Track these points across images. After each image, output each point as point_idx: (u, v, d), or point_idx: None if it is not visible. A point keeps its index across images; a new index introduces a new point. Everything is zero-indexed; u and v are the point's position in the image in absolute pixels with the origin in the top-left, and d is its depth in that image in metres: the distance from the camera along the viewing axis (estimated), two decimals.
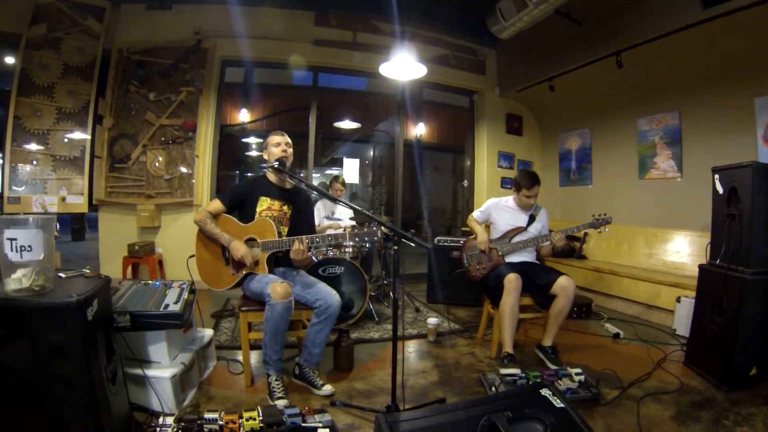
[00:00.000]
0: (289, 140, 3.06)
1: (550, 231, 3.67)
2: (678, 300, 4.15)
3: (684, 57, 4.86)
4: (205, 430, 2.08)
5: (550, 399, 1.84)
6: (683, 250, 5.00)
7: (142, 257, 5.10)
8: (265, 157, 3.10)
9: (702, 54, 4.71)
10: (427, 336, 3.96)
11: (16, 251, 1.65)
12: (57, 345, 1.66)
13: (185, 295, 2.63)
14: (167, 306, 2.43)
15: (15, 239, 1.64)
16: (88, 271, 2.09)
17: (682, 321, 4.03)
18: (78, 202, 5.19)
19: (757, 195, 2.87)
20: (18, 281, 1.67)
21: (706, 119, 4.94)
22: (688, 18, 4.26)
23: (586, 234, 6.03)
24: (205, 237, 2.96)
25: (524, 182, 3.59)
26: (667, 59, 5.00)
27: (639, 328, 4.34)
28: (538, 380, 2.67)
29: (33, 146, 5.06)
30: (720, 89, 4.75)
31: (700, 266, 3.31)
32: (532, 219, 3.71)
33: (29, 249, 1.67)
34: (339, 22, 6.27)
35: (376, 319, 4.39)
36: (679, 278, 4.54)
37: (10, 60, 5.28)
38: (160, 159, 5.58)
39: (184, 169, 5.65)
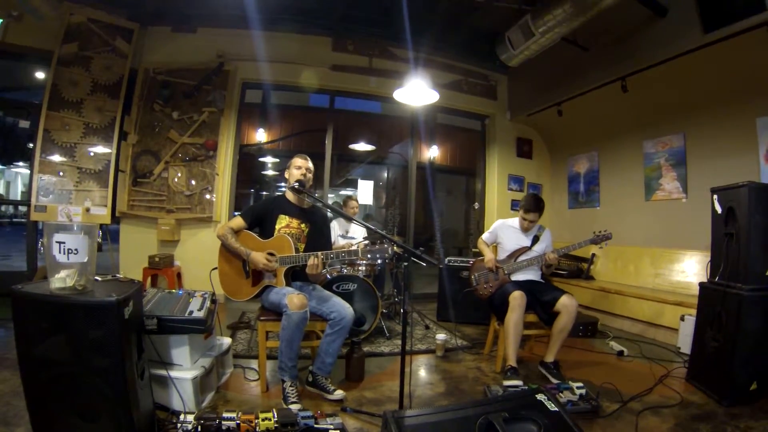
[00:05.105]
0: (311, 166, 3.24)
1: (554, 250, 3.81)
2: (682, 318, 4.22)
3: (687, 80, 5.00)
4: (224, 427, 2.21)
5: (546, 403, 1.96)
6: (688, 270, 5.06)
7: (161, 269, 5.28)
8: (286, 176, 3.28)
9: (704, 77, 4.84)
10: (436, 351, 4.06)
11: (64, 253, 1.84)
12: (96, 340, 1.83)
13: (208, 303, 2.79)
14: (192, 312, 2.60)
15: (63, 242, 1.83)
16: (121, 275, 2.26)
17: (685, 339, 4.07)
18: (101, 214, 5.39)
19: (753, 214, 2.99)
20: (62, 280, 1.86)
21: (710, 140, 5.05)
22: (690, 43, 4.42)
23: (594, 255, 6.12)
24: (226, 251, 3.14)
25: (524, 205, 3.80)
26: (671, 83, 5.14)
27: (643, 346, 4.40)
28: None
29: (61, 158, 5.29)
30: (723, 110, 4.87)
31: (701, 284, 3.41)
32: (536, 239, 3.85)
33: (75, 252, 1.85)
34: (356, 48, 6.49)
35: (387, 335, 4.49)
36: (684, 297, 4.59)
37: (41, 75, 5.59)
38: (179, 175, 5.79)
39: (203, 186, 5.86)
